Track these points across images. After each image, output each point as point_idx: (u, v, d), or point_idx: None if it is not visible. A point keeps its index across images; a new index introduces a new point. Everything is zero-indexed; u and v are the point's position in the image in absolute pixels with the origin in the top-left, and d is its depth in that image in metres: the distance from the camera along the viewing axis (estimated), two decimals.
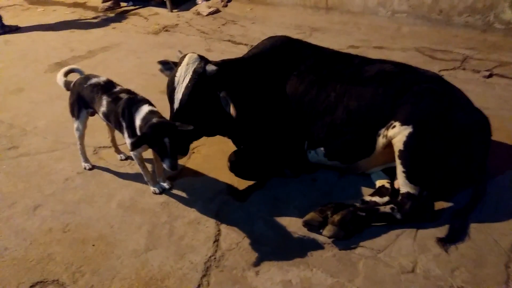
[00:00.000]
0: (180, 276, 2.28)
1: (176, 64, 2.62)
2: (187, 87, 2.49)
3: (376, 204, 2.64)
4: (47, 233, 2.60)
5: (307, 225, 2.52)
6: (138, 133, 2.52)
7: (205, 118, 2.61)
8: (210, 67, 2.54)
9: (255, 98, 2.78)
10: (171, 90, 2.56)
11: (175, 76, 2.54)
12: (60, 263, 2.39)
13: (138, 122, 2.54)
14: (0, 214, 2.77)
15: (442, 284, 2.17)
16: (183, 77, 2.51)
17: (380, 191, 2.73)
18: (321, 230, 2.48)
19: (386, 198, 2.67)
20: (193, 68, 2.51)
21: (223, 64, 2.64)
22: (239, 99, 2.59)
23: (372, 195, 2.73)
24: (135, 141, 2.40)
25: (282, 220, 2.62)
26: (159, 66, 2.74)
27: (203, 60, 2.57)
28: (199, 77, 2.50)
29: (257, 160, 2.92)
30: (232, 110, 2.52)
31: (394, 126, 2.53)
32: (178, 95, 2.51)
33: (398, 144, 2.50)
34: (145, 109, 2.56)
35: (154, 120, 2.43)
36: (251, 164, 2.92)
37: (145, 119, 2.50)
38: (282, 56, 2.96)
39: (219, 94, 2.55)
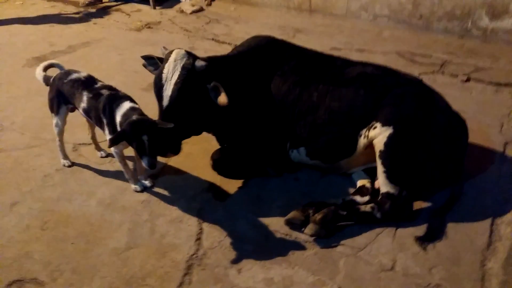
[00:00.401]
0: (162, 274, 2.27)
1: (161, 60, 2.58)
2: (176, 83, 2.44)
3: (357, 203, 2.68)
4: (24, 230, 2.54)
5: (289, 223, 2.54)
6: (119, 129, 2.48)
7: (195, 115, 2.59)
8: (200, 63, 2.50)
9: (240, 95, 2.77)
10: (159, 87, 2.50)
11: (162, 72, 2.49)
12: (39, 262, 2.34)
13: (118, 118, 2.51)
14: None
15: (420, 281, 2.23)
16: (171, 73, 2.46)
17: (361, 191, 2.77)
18: (303, 229, 2.50)
19: (366, 198, 2.72)
20: (181, 64, 2.46)
21: (210, 60, 2.62)
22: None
23: (353, 194, 2.77)
24: (114, 138, 2.37)
25: (264, 218, 2.63)
26: (143, 61, 2.69)
27: (191, 56, 2.54)
28: (188, 73, 2.46)
29: (240, 159, 2.92)
30: (224, 98, 2.46)
31: (375, 127, 2.57)
32: (167, 92, 2.46)
33: (379, 144, 2.55)
34: (126, 105, 2.53)
35: (134, 117, 2.40)
36: (234, 162, 2.93)
37: (126, 115, 2.47)
38: (266, 56, 2.97)
39: (208, 87, 2.51)
